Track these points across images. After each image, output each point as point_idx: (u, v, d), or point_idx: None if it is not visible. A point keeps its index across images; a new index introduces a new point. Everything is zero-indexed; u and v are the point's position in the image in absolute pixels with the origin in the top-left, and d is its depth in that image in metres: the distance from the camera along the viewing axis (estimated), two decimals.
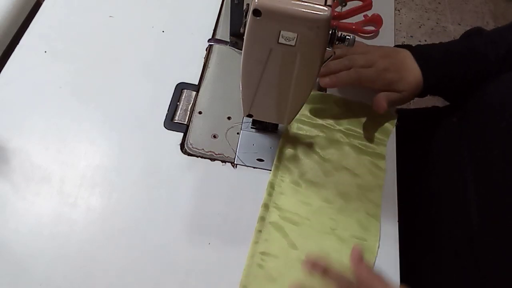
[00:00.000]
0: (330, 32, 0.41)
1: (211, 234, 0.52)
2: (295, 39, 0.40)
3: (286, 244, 0.52)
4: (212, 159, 0.57)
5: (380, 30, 0.70)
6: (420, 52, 0.59)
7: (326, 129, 0.60)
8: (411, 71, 0.58)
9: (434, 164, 0.63)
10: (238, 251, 0.51)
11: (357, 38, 0.66)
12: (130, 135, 0.57)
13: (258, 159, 0.57)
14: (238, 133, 0.59)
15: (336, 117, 0.61)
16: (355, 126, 0.60)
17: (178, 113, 0.60)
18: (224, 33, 0.67)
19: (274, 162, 0.56)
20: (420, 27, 1.85)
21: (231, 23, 0.64)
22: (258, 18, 0.38)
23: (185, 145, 0.57)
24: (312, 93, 0.61)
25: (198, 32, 0.67)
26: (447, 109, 0.70)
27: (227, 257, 0.50)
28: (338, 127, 0.60)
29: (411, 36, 1.82)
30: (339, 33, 0.43)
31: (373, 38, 0.70)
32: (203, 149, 0.57)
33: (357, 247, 0.49)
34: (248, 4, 0.40)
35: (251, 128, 0.59)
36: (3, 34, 0.63)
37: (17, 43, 0.63)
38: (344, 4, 0.58)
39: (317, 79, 0.56)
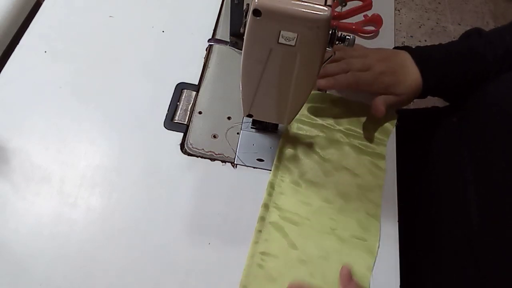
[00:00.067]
0: (330, 32, 0.41)
1: (211, 234, 0.52)
2: (295, 39, 0.40)
3: (286, 244, 0.52)
4: (212, 159, 0.57)
5: (380, 30, 0.70)
6: (419, 54, 0.59)
7: (326, 129, 0.60)
8: (410, 74, 0.58)
9: (434, 164, 0.63)
10: (238, 251, 0.51)
11: (357, 38, 0.66)
12: (130, 135, 0.57)
13: (258, 159, 0.57)
14: (238, 133, 0.59)
15: (336, 117, 0.61)
16: (355, 126, 0.60)
17: (178, 113, 0.60)
18: (224, 33, 0.67)
19: (274, 162, 0.56)
20: (420, 27, 1.85)
21: (231, 23, 0.64)
22: (258, 18, 0.38)
23: (185, 145, 0.57)
24: (312, 93, 0.61)
25: (198, 32, 0.67)
26: (447, 109, 0.70)
27: (227, 257, 0.50)
28: (338, 127, 0.60)
29: (411, 36, 1.82)
30: (339, 33, 0.43)
31: (373, 38, 0.70)
32: (203, 149, 0.57)
33: (346, 267, 0.49)
34: (248, 4, 0.40)
35: (251, 128, 0.59)
36: (3, 34, 0.63)
37: (17, 43, 0.63)
38: (344, 4, 0.58)
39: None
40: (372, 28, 0.70)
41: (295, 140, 0.59)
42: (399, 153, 0.59)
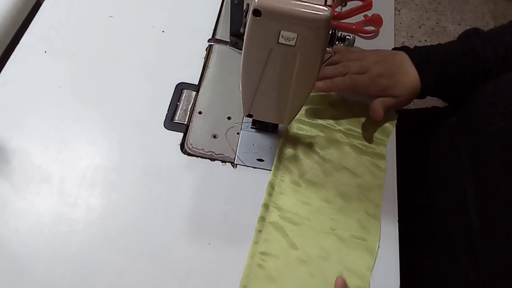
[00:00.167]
0: (330, 32, 0.41)
1: (211, 234, 0.52)
2: (295, 39, 0.40)
3: (286, 244, 0.52)
4: (212, 159, 0.57)
5: (380, 30, 0.70)
6: (417, 55, 0.59)
7: (326, 129, 0.60)
8: (407, 75, 0.58)
9: (434, 164, 0.63)
10: (238, 251, 0.51)
11: (357, 38, 0.66)
12: (130, 135, 0.57)
13: (258, 159, 0.57)
14: (238, 133, 0.59)
15: (336, 117, 0.61)
16: (355, 126, 0.61)
17: (178, 113, 0.60)
18: (224, 33, 0.67)
19: (274, 162, 0.56)
20: (420, 27, 1.85)
21: (231, 23, 0.64)
22: (258, 18, 0.38)
23: (185, 145, 0.57)
24: (312, 93, 0.61)
25: (198, 32, 0.67)
26: (446, 109, 0.70)
27: (227, 257, 0.50)
28: (338, 127, 0.60)
29: (411, 36, 1.82)
30: (339, 33, 0.43)
31: (373, 38, 0.70)
32: (203, 149, 0.57)
33: (341, 277, 0.49)
34: (248, 4, 0.40)
35: (251, 128, 0.59)
36: (3, 34, 0.63)
37: (17, 43, 0.63)
38: (344, 4, 0.58)
39: None
40: (372, 28, 0.70)
41: (295, 140, 0.59)
42: (399, 153, 0.59)
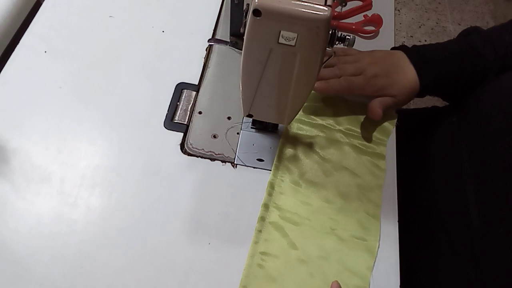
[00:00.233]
0: (330, 32, 0.41)
1: (211, 234, 0.52)
2: (295, 39, 0.40)
3: (286, 244, 0.52)
4: (212, 159, 0.57)
5: (380, 30, 0.70)
6: (415, 53, 0.59)
7: (326, 129, 0.60)
8: (405, 74, 0.58)
9: (434, 163, 0.63)
10: (238, 251, 0.51)
11: (357, 38, 0.66)
12: (130, 135, 0.57)
13: (258, 159, 0.57)
14: (238, 133, 0.59)
15: (336, 117, 0.61)
16: (355, 126, 0.61)
17: (178, 113, 0.60)
18: (224, 33, 0.67)
19: (274, 162, 0.56)
20: (420, 27, 1.85)
21: (231, 23, 0.64)
22: (258, 18, 0.38)
23: (185, 145, 0.57)
24: (312, 93, 0.61)
25: (198, 32, 0.67)
26: (446, 109, 0.70)
27: (227, 257, 0.50)
28: (338, 127, 0.60)
29: (411, 36, 1.82)
30: (339, 33, 0.43)
31: (373, 38, 0.70)
32: (203, 149, 0.57)
33: (336, 283, 0.49)
34: (248, 4, 0.40)
35: (251, 128, 0.59)
36: (3, 34, 0.63)
37: (17, 43, 0.63)
38: (344, 4, 0.58)
39: None
40: (372, 28, 0.70)
41: (295, 140, 0.59)
42: (399, 153, 0.59)
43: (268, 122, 0.57)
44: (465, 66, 0.58)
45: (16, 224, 0.50)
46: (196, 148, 0.57)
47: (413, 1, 1.93)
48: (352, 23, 0.70)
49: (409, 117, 0.74)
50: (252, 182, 0.55)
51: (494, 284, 0.50)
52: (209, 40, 0.66)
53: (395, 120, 0.62)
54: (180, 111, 0.60)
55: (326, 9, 0.38)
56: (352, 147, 0.59)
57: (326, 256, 0.51)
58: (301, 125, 0.60)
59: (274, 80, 0.46)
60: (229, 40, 0.66)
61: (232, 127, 0.59)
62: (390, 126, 0.61)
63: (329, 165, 0.57)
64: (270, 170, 0.56)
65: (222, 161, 0.56)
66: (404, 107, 0.63)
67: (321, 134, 0.59)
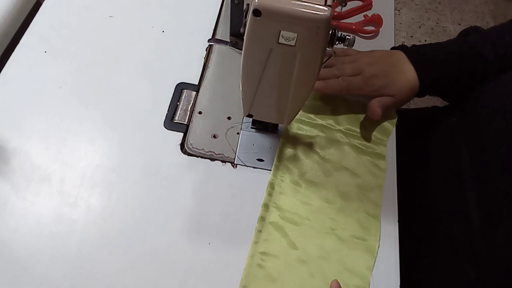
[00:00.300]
0: (330, 32, 0.41)
1: (211, 234, 0.52)
2: (295, 39, 0.40)
3: (286, 244, 0.52)
4: (212, 159, 0.57)
5: (380, 30, 0.70)
6: (415, 53, 0.59)
7: (326, 129, 0.60)
8: (403, 74, 0.58)
9: (434, 163, 0.63)
10: (238, 251, 0.51)
11: (357, 38, 0.66)
12: (130, 135, 0.57)
13: (258, 159, 0.57)
14: (238, 133, 0.59)
15: (336, 117, 0.61)
16: (355, 126, 0.61)
17: (178, 113, 0.60)
18: (224, 33, 0.67)
19: (274, 162, 0.56)
20: (420, 27, 1.85)
21: (231, 23, 0.64)
22: (258, 18, 0.38)
23: (185, 145, 0.57)
24: (312, 93, 0.61)
25: (198, 32, 0.67)
26: (446, 109, 0.70)
27: (227, 257, 0.50)
28: (338, 127, 0.60)
29: (411, 36, 1.82)
30: (339, 33, 0.43)
31: (373, 38, 0.70)
32: (203, 149, 0.57)
33: (336, 282, 0.49)
34: (248, 4, 0.40)
35: (251, 128, 0.59)
36: (3, 34, 0.63)
37: (17, 43, 0.63)
38: (344, 4, 0.58)
39: None
40: (372, 28, 0.70)
41: (295, 140, 0.59)
42: (399, 153, 0.59)
43: (268, 122, 0.57)
44: (465, 66, 0.58)
45: (16, 224, 0.50)
46: (196, 148, 0.57)
47: (413, 1, 1.94)
48: (352, 23, 0.70)
49: (409, 117, 0.74)
50: (252, 182, 0.55)
51: (494, 284, 0.50)
52: (209, 40, 0.66)
53: (395, 120, 0.62)
54: (180, 111, 0.60)
55: (326, 9, 0.38)
56: (352, 147, 0.59)
57: (326, 256, 0.51)
58: (301, 125, 0.60)
59: (274, 80, 0.46)
60: (229, 40, 0.66)
61: (232, 127, 0.59)
62: (390, 126, 0.61)
63: (329, 165, 0.57)
64: (270, 170, 0.56)
65: (222, 161, 0.56)
66: (404, 107, 0.63)
67: (321, 134, 0.59)
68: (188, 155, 0.57)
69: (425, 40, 1.80)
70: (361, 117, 0.61)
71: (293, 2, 0.38)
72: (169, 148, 0.57)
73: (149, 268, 0.49)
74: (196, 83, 0.62)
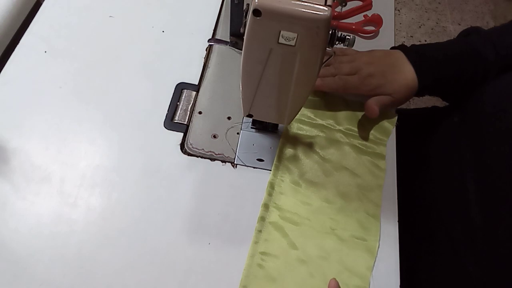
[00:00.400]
0: (330, 32, 0.41)
1: (211, 234, 0.52)
2: (295, 39, 0.40)
3: (286, 244, 0.52)
4: (212, 159, 0.57)
5: (380, 30, 0.70)
6: (414, 53, 0.59)
7: (326, 129, 0.60)
8: (402, 73, 0.58)
9: (434, 163, 0.63)
10: (238, 251, 0.51)
11: (357, 38, 0.66)
12: (130, 135, 0.57)
13: (258, 159, 0.57)
14: (238, 133, 0.59)
15: (336, 117, 0.61)
16: (355, 126, 0.60)
17: (178, 113, 0.60)
18: (224, 33, 0.67)
19: (274, 162, 0.56)
20: (420, 27, 1.85)
21: (231, 23, 0.64)
22: (258, 18, 0.38)
23: (185, 145, 0.57)
24: (312, 93, 0.61)
25: (198, 32, 0.67)
26: (447, 109, 0.70)
27: (227, 257, 0.50)
28: (338, 127, 0.60)
29: (411, 36, 1.82)
30: (339, 33, 0.43)
31: (373, 38, 0.70)
32: (203, 149, 0.57)
33: (334, 280, 0.49)
34: (248, 4, 0.40)
35: (251, 128, 0.59)
36: (3, 34, 0.63)
37: (17, 43, 0.63)
38: (344, 4, 0.58)
39: None
40: (372, 28, 0.70)
41: (295, 140, 0.59)
42: (399, 153, 0.59)
43: (268, 122, 0.57)
44: (465, 66, 0.58)
45: (16, 224, 0.50)
46: (196, 148, 0.57)
47: (413, 1, 1.93)
48: (352, 23, 0.70)
49: (409, 117, 0.74)
50: (252, 182, 0.55)
51: (495, 284, 0.50)
52: (209, 40, 0.66)
53: (395, 120, 0.62)
54: (180, 111, 0.60)
55: (326, 9, 0.38)
56: (352, 147, 0.59)
57: (326, 256, 0.51)
58: (301, 125, 0.60)
59: (274, 80, 0.46)
60: (229, 40, 0.66)
61: (232, 127, 0.59)
62: (390, 126, 0.61)
63: (329, 165, 0.57)
64: (270, 170, 0.56)
65: (222, 161, 0.56)
66: (404, 107, 0.63)
67: (321, 134, 0.59)
68: (188, 155, 0.57)
69: (425, 40, 1.80)
70: (361, 117, 0.61)
71: (293, 2, 0.38)
72: (169, 148, 0.57)
73: (149, 268, 0.49)
74: (196, 83, 0.62)
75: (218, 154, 0.57)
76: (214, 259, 0.50)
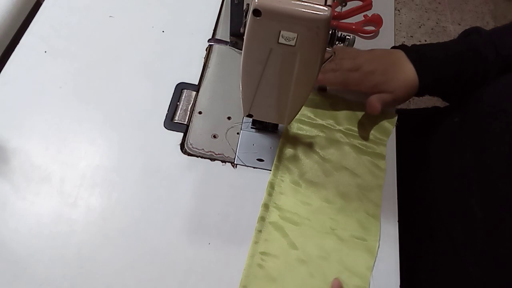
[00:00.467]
0: (330, 32, 0.41)
1: (211, 234, 0.52)
2: (295, 39, 0.40)
3: (286, 244, 0.52)
4: (212, 159, 0.57)
5: (380, 30, 0.70)
6: (414, 52, 0.59)
7: (326, 129, 0.60)
8: (403, 72, 0.58)
9: (435, 163, 0.63)
10: (238, 251, 0.51)
11: (357, 38, 0.66)
12: (130, 135, 0.57)
13: (258, 159, 0.57)
14: (238, 133, 0.59)
15: (336, 117, 0.61)
16: (355, 126, 0.60)
17: (178, 113, 0.60)
18: (224, 33, 0.67)
19: (274, 162, 0.56)
20: (420, 27, 1.85)
21: (231, 23, 0.64)
22: (258, 18, 0.38)
23: (185, 145, 0.57)
24: (312, 93, 0.61)
25: (198, 32, 0.67)
26: (447, 109, 0.70)
27: (227, 257, 0.50)
28: (338, 127, 0.60)
29: (411, 36, 1.82)
30: (339, 33, 0.43)
31: (373, 38, 0.70)
32: (203, 149, 0.57)
33: (337, 280, 0.49)
34: (248, 4, 0.40)
35: (251, 128, 0.59)
36: (3, 34, 0.63)
37: (17, 43, 0.63)
38: (344, 4, 0.58)
39: None
40: (372, 28, 0.70)
41: (295, 140, 0.59)
42: (399, 153, 0.59)
43: (268, 122, 0.57)
44: (465, 66, 0.58)
45: (16, 224, 0.50)
46: (196, 148, 0.57)
47: (413, 1, 1.94)
48: (352, 23, 0.70)
49: (409, 117, 0.74)
50: (252, 182, 0.55)
51: (496, 284, 0.50)
52: (209, 40, 0.66)
53: (395, 120, 0.62)
54: (180, 111, 0.60)
55: (326, 9, 0.38)
56: (352, 147, 0.59)
57: (326, 256, 0.51)
58: (301, 125, 0.60)
59: (274, 80, 0.46)
60: (229, 40, 0.66)
61: (232, 127, 0.59)
62: (390, 126, 0.61)
63: (329, 165, 0.57)
64: (270, 170, 0.56)
65: (222, 161, 0.56)
66: (404, 107, 0.63)
67: (321, 134, 0.59)
68: (188, 155, 0.57)
69: (425, 40, 1.80)
70: (361, 117, 0.61)
71: (293, 2, 0.38)
72: (169, 148, 0.57)
73: (149, 268, 0.49)
74: (196, 83, 0.62)
75: (218, 154, 0.57)
76: (214, 259, 0.50)
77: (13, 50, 0.62)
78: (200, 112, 0.60)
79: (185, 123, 0.59)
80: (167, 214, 0.52)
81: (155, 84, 0.62)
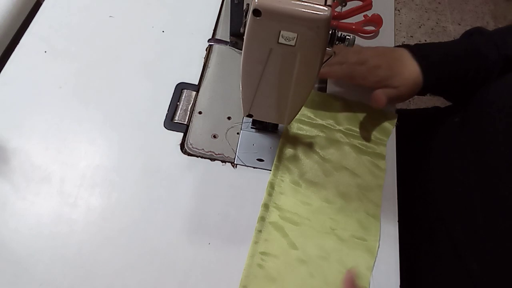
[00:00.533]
0: (330, 32, 0.41)
1: (211, 234, 0.52)
2: (295, 39, 0.40)
3: (286, 244, 0.52)
4: (212, 159, 0.57)
5: (380, 30, 0.70)
6: (418, 50, 0.59)
7: (326, 129, 0.60)
8: (407, 67, 0.58)
9: (435, 163, 0.63)
10: (238, 251, 0.51)
11: (357, 38, 0.66)
12: (130, 135, 0.57)
13: (258, 159, 0.57)
14: (238, 133, 0.59)
15: (336, 117, 0.61)
16: (355, 126, 0.60)
17: (178, 113, 0.60)
18: (224, 33, 0.67)
19: (274, 162, 0.56)
20: (420, 27, 1.85)
21: (231, 23, 0.64)
22: (258, 18, 0.38)
23: (185, 145, 0.57)
24: (312, 93, 0.61)
25: (198, 32, 0.67)
26: (448, 109, 0.70)
27: (227, 257, 0.50)
28: (338, 127, 0.60)
29: (411, 36, 1.82)
30: (339, 33, 0.43)
31: (373, 38, 0.70)
32: (203, 149, 0.57)
33: (350, 272, 0.49)
34: (248, 4, 0.40)
35: (251, 128, 0.59)
36: (3, 34, 0.63)
37: (17, 43, 0.63)
38: (344, 4, 0.58)
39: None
40: (372, 28, 0.70)
41: (295, 140, 0.59)
42: (399, 153, 0.59)
43: (268, 122, 0.57)
44: (467, 65, 0.58)
45: (16, 224, 0.50)
46: (196, 148, 0.57)
47: (413, 1, 1.94)
48: (352, 23, 0.70)
49: (409, 117, 0.74)
50: (252, 182, 0.55)
51: (496, 284, 0.50)
52: (209, 40, 0.66)
53: (395, 120, 0.62)
54: (180, 111, 0.60)
55: (326, 9, 0.38)
56: (352, 147, 0.59)
57: (326, 256, 0.51)
58: (301, 125, 0.60)
59: (274, 80, 0.46)
60: (229, 40, 0.66)
61: (232, 127, 0.59)
62: (390, 126, 0.61)
63: (329, 165, 0.57)
64: (270, 170, 0.56)
65: (222, 161, 0.56)
66: (404, 107, 0.63)
67: (321, 134, 0.59)
68: (188, 155, 0.57)
69: (425, 40, 1.80)
70: (361, 117, 0.61)
71: (293, 2, 0.38)
72: (169, 148, 0.57)
73: (149, 268, 0.49)
74: (196, 83, 0.62)
75: (218, 154, 0.57)
76: (214, 259, 0.50)
77: (13, 50, 0.62)
78: (200, 112, 0.60)
79: (185, 123, 0.59)
80: (167, 214, 0.52)
81: (155, 84, 0.62)
